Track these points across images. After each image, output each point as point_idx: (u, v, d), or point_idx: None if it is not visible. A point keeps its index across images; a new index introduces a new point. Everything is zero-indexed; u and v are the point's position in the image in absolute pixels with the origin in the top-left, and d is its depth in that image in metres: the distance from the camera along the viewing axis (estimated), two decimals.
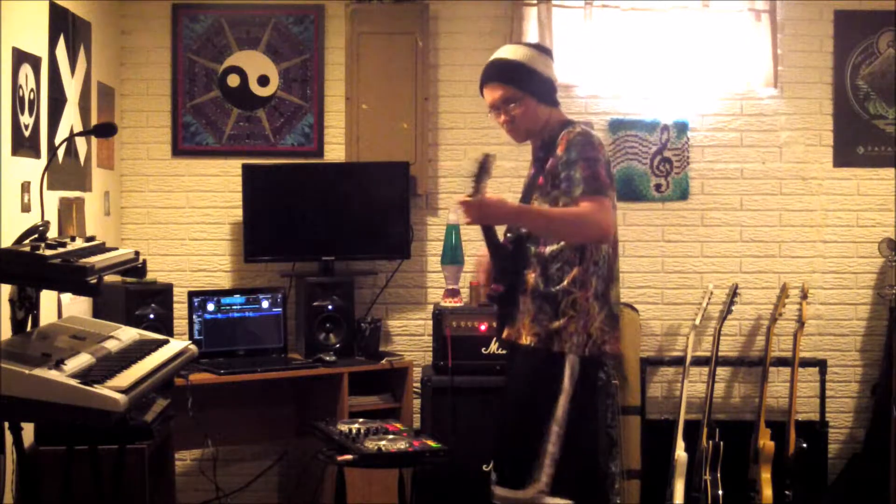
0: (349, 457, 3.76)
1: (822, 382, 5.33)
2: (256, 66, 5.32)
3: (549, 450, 3.33)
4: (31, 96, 3.93)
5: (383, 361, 5.00)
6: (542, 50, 3.60)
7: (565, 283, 3.38)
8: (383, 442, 3.84)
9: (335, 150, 5.35)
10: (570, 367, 3.36)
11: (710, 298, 5.26)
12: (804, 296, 5.25)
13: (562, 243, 3.41)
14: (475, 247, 5.14)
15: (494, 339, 4.84)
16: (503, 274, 3.53)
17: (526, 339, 3.43)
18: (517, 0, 5.27)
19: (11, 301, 3.21)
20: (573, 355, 3.36)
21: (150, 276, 4.45)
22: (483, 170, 3.31)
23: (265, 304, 5.06)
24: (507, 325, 3.52)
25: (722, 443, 5.05)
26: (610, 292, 3.45)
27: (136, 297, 4.62)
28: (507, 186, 5.37)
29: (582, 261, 3.39)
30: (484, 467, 4.78)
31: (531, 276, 3.44)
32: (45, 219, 3.47)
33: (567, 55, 5.29)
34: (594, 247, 3.40)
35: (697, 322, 5.25)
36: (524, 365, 3.46)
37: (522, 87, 3.47)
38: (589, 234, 3.34)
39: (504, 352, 4.93)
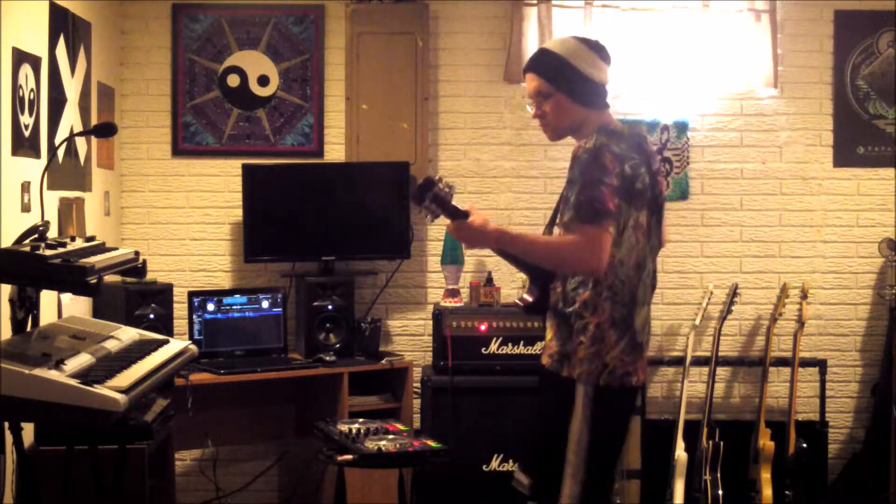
0: (349, 457, 3.76)
1: (822, 382, 5.33)
2: (256, 66, 5.32)
3: (568, 472, 3.16)
4: (31, 96, 3.93)
5: (383, 361, 5.00)
6: (594, 47, 3.28)
7: (577, 305, 3.16)
8: (383, 442, 3.84)
9: (335, 150, 5.35)
10: (582, 396, 3.14)
11: (710, 298, 5.26)
12: (804, 296, 5.25)
13: None
14: None
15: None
16: (533, 283, 3.35)
17: (545, 358, 3.27)
18: (517, 0, 5.27)
19: (11, 301, 3.21)
20: (586, 385, 3.13)
21: (150, 276, 4.44)
22: (426, 190, 3.07)
23: (265, 304, 5.06)
24: (544, 339, 3.35)
25: (722, 443, 5.05)
26: (633, 318, 3.19)
27: (136, 297, 4.62)
28: (506, 186, 5.39)
29: (594, 284, 3.13)
30: (484, 467, 4.82)
31: (556, 291, 3.25)
32: (45, 219, 3.48)
33: None
34: (611, 269, 3.11)
35: (697, 322, 5.25)
36: (542, 384, 3.32)
37: (555, 82, 3.22)
38: (576, 267, 3.12)
39: (509, 353, 4.94)
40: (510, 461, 4.87)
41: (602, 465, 3.24)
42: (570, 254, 3.07)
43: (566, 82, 3.23)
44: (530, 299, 3.35)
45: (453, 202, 3.13)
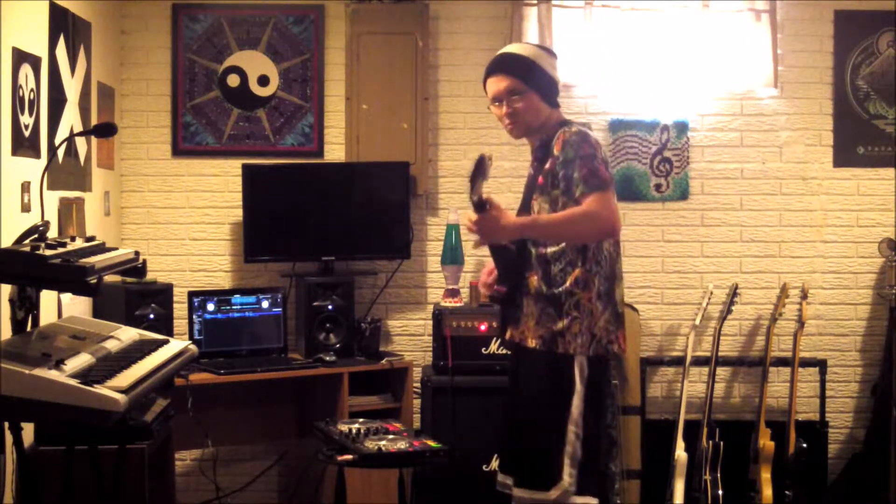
0: (349, 457, 3.76)
1: (822, 382, 5.33)
2: (256, 66, 5.32)
3: (568, 450, 3.33)
4: (31, 96, 3.93)
5: (383, 361, 5.00)
6: (548, 51, 3.62)
7: (568, 283, 3.37)
8: (383, 442, 3.84)
9: (335, 150, 5.35)
10: (579, 368, 3.35)
11: (710, 298, 5.26)
12: (804, 296, 5.25)
13: (563, 244, 3.40)
14: None
15: (496, 338, 4.85)
16: (506, 275, 3.52)
17: (532, 342, 3.43)
18: (517, 0, 5.27)
19: (11, 301, 3.21)
20: (581, 356, 3.35)
21: (150, 276, 4.44)
22: (479, 171, 3.21)
23: (265, 304, 5.06)
24: (510, 326, 3.52)
25: (722, 443, 5.05)
26: (614, 291, 3.43)
27: (136, 297, 4.62)
28: (506, 186, 5.38)
29: (584, 261, 3.38)
30: (484, 467, 4.83)
31: (533, 279, 3.44)
32: (45, 219, 3.48)
33: (567, 55, 5.29)
34: (595, 246, 3.39)
35: (697, 322, 5.25)
36: (533, 368, 3.45)
37: (527, 81, 3.48)
38: (598, 231, 3.33)
39: (506, 352, 4.96)
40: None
41: (597, 434, 3.41)
42: (593, 217, 3.28)
43: (538, 82, 3.49)
44: (504, 290, 3.53)
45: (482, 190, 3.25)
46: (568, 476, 3.32)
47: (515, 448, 3.52)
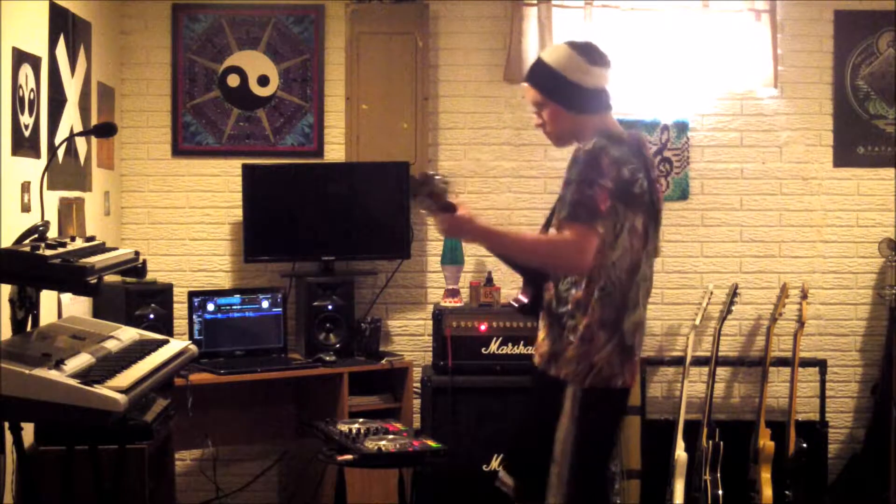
0: (349, 457, 3.76)
1: (822, 382, 5.33)
2: (256, 66, 5.32)
3: (555, 471, 3.19)
4: (31, 96, 3.93)
5: (383, 361, 5.00)
6: (588, 53, 3.28)
7: (570, 305, 3.18)
8: (383, 442, 3.84)
9: (335, 150, 5.35)
10: (570, 397, 3.17)
11: (710, 298, 5.26)
12: (804, 296, 5.25)
13: None
14: (475, 247, 5.14)
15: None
16: (527, 284, 3.39)
17: (536, 358, 3.30)
18: (517, 0, 5.26)
19: (11, 301, 3.21)
20: (573, 385, 3.16)
21: (150, 276, 4.44)
22: (424, 185, 3.16)
23: (265, 304, 5.05)
24: (537, 339, 3.38)
25: (722, 443, 5.05)
26: (623, 321, 3.19)
27: (136, 297, 4.62)
28: (506, 186, 5.39)
29: (587, 284, 3.15)
30: (484, 467, 4.83)
31: (549, 293, 3.27)
32: (45, 219, 3.48)
33: None
34: (603, 270, 3.14)
35: (697, 322, 5.25)
36: (533, 382, 3.38)
37: (548, 93, 3.28)
38: (561, 266, 3.16)
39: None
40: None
41: (590, 466, 3.25)
42: (556, 252, 3.13)
43: (558, 93, 3.27)
44: (525, 300, 3.38)
45: (448, 198, 3.19)
46: (555, 497, 3.19)
47: (517, 460, 3.46)
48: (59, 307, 4.12)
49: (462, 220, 3.18)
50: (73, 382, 2.76)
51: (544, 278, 3.29)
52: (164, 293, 4.71)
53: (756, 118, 5.45)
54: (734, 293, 5.22)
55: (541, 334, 3.30)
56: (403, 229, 5.23)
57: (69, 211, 4.35)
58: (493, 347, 4.93)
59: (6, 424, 3.15)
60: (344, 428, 4.00)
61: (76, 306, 4.29)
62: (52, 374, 2.76)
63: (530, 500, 3.29)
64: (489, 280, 5.19)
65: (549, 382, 3.21)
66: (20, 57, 3.81)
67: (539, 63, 3.35)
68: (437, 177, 3.19)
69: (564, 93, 3.26)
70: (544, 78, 3.29)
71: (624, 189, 3.13)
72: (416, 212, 5.33)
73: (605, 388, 3.18)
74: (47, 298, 3.80)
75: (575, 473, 3.17)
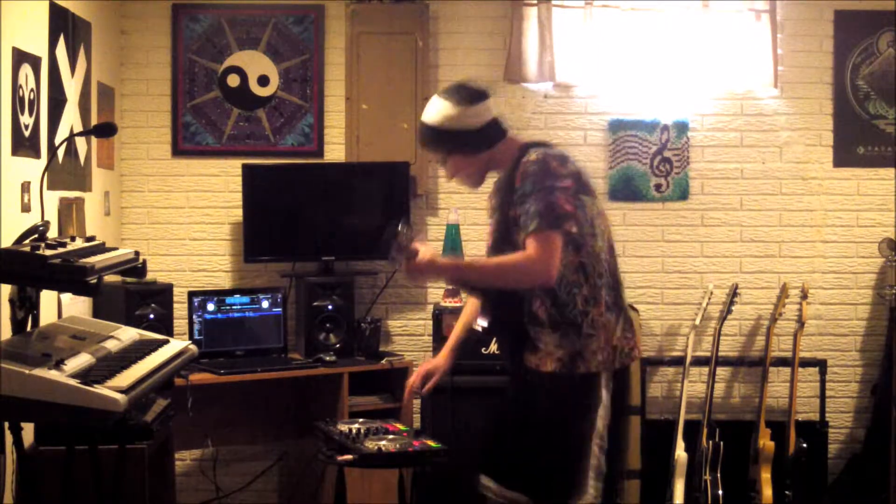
0: (349, 457, 3.75)
1: (822, 382, 5.33)
2: (256, 66, 5.32)
3: (593, 464, 3.25)
4: (31, 96, 3.93)
5: (383, 361, 5.00)
6: (461, 96, 3.39)
7: (579, 304, 3.26)
8: (383, 442, 3.84)
9: (335, 150, 5.35)
10: (605, 385, 3.26)
11: (710, 298, 5.26)
12: (804, 296, 5.25)
13: (560, 268, 3.25)
14: (475, 247, 5.15)
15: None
16: (484, 309, 3.48)
17: (549, 366, 3.29)
18: (517, 0, 5.26)
19: (11, 301, 3.21)
20: (606, 372, 3.26)
21: (150, 276, 4.44)
22: (396, 235, 3.29)
23: (265, 304, 5.06)
24: (526, 351, 3.38)
25: (722, 443, 5.06)
26: (621, 299, 3.36)
27: (136, 297, 4.62)
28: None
29: (587, 278, 3.27)
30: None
31: (541, 309, 3.29)
32: (45, 219, 3.48)
33: (567, 55, 5.29)
34: (594, 259, 3.28)
35: (697, 322, 5.25)
36: (552, 391, 3.32)
37: (445, 150, 3.43)
38: (529, 283, 3.24)
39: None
40: None
41: (615, 449, 3.35)
42: (521, 270, 3.20)
43: (455, 145, 3.39)
44: (485, 324, 3.47)
45: (411, 245, 3.26)
46: (593, 489, 3.25)
47: (530, 466, 3.43)
48: (59, 307, 4.12)
49: (421, 265, 3.25)
50: (74, 382, 2.76)
51: (505, 300, 3.34)
52: (164, 293, 4.71)
53: (756, 118, 5.45)
54: (734, 293, 5.22)
55: (548, 345, 3.29)
56: None
57: (69, 211, 4.35)
58: (494, 347, 4.93)
59: (6, 424, 3.15)
60: (344, 428, 4.00)
61: (76, 306, 4.29)
62: (53, 374, 2.76)
63: (551, 502, 3.31)
64: None
65: (579, 381, 3.25)
66: (20, 57, 3.81)
67: (424, 127, 3.45)
68: (401, 230, 3.27)
69: (460, 142, 3.38)
70: (435, 139, 3.42)
71: (579, 180, 3.27)
72: (417, 212, 5.34)
73: (626, 365, 3.33)
74: (47, 298, 3.80)
75: (609, 454, 3.28)
